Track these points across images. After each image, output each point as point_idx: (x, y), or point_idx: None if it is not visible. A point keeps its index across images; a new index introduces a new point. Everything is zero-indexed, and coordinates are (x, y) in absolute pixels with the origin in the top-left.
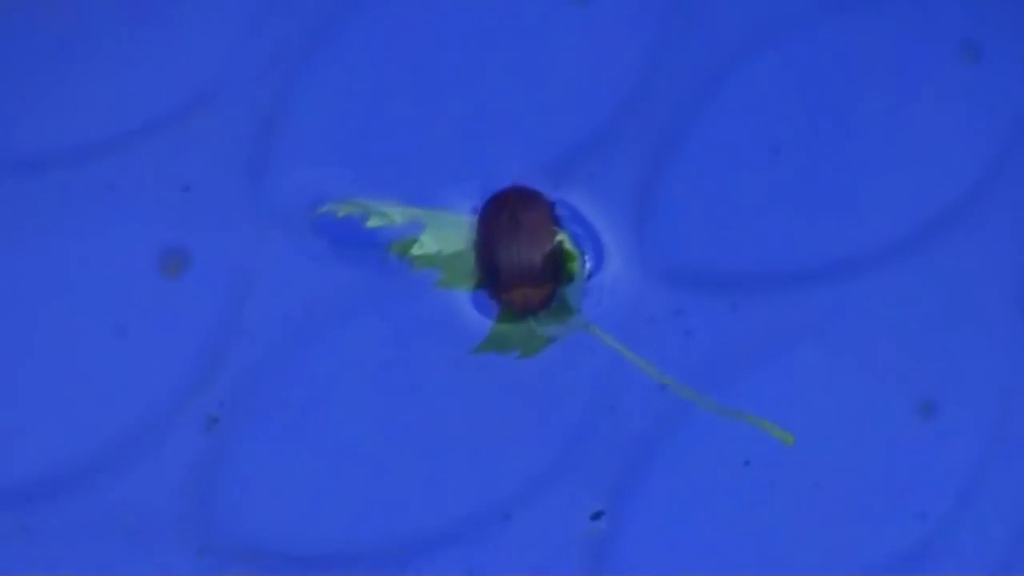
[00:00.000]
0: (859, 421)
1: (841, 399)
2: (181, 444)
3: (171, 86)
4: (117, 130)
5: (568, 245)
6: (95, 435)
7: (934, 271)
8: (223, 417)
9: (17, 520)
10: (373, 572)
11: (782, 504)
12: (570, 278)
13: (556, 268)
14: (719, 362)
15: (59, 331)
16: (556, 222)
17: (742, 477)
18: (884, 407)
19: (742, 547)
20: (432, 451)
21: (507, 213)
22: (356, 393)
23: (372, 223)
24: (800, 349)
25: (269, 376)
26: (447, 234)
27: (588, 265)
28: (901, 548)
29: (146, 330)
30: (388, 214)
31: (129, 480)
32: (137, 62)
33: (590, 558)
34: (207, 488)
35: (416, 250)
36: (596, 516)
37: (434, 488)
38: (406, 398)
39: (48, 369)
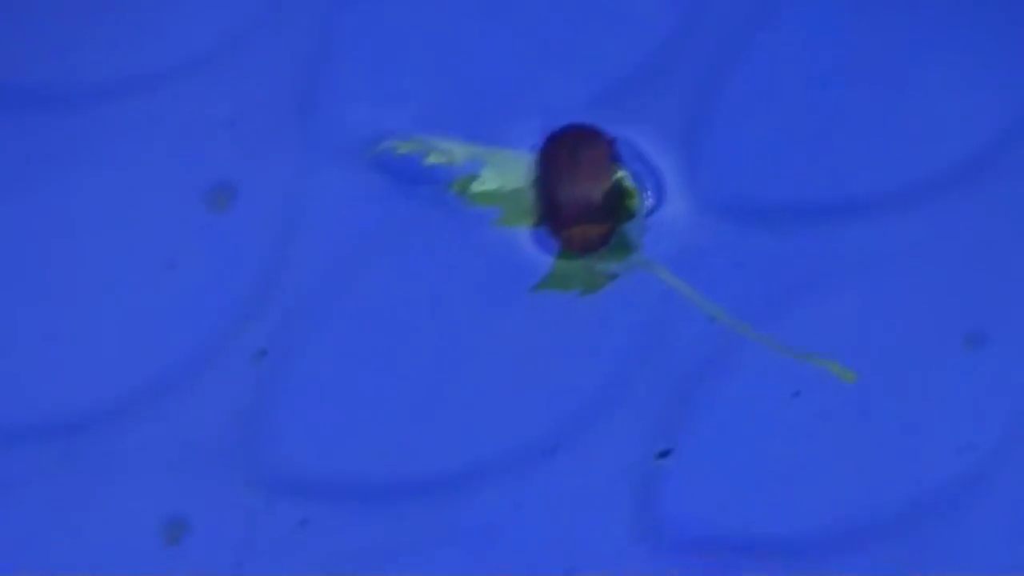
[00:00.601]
0: (907, 353)
1: (889, 331)
2: (230, 377)
3: (218, 18)
4: (164, 64)
5: (627, 182)
6: (144, 368)
7: (981, 203)
8: (272, 350)
9: (64, 450)
10: (420, 504)
11: (831, 435)
12: (629, 215)
13: (616, 205)
14: (770, 295)
15: (108, 265)
16: (616, 159)
17: (792, 409)
18: (932, 339)
19: (790, 479)
20: (482, 385)
21: (567, 151)
22: (407, 328)
23: (431, 160)
24: (848, 282)
25: (319, 309)
26: (507, 171)
27: (647, 202)
28: (949, 478)
29: (195, 264)
30: (448, 151)
31: (177, 413)
32: None
33: (638, 491)
34: (255, 421)
35: (476, 187)
36: (663, 454)
37: (483, 421)
38: (459, 333)
39: (97, 302)
